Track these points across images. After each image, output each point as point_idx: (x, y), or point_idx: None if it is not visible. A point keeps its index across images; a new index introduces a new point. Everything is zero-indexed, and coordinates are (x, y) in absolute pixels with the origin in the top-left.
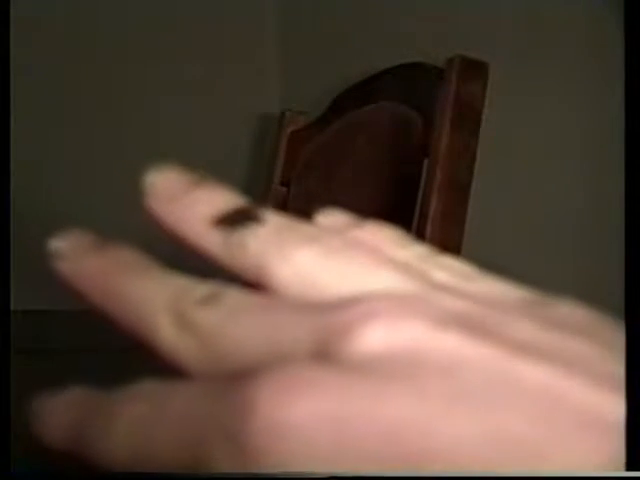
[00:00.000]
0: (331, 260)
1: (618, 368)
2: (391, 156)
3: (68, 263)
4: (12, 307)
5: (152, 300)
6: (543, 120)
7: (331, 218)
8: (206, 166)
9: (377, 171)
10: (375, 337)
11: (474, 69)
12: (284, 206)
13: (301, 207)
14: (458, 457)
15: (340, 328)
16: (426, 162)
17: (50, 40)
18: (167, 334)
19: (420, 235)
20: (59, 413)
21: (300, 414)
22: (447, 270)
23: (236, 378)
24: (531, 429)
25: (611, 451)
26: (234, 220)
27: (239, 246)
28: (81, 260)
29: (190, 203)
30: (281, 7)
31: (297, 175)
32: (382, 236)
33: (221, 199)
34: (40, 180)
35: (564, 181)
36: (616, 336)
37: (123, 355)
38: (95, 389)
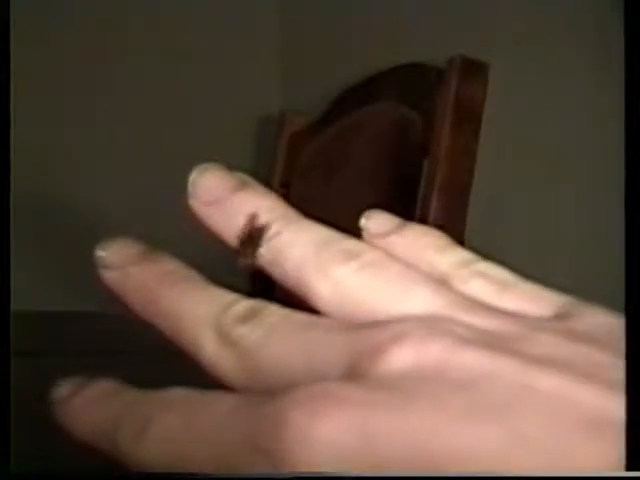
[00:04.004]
0: (367, 278)
1: None
2: (391, 156)
3: (113, 272)
4: (12, 307)
5: (195, 315)
6: (543, 120)
7: (375, 221)
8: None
9: (377, 172)
10: (402, 357)
11: (474, 69)
12: None
13: (301, 208)
14: (482, 464)
15: (370, 349)
16: (426, 162)
17: (48, 49)
18: (209, 349)
19: None
20: (90, 404)
21: (331, 429)
22: (484, 278)
23: (267, 395)
24: (548, 435)
25: (623, 454)
26: (253, 242)
27: (279, 255)
28: (126, 270)
29: (230, 208)
30: (281, 7)
31: (297, 176)
32: (423, 242)
33: (263, 205)
34: (41, 178)
35: (564, 181)
36: None
37: (123, 357)
38: (127, 385)
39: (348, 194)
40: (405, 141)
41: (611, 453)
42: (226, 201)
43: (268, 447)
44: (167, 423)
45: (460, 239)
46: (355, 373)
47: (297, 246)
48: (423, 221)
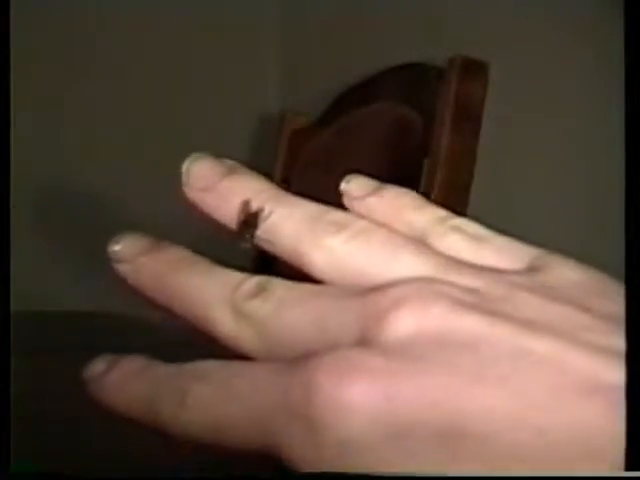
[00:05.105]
0: (357, 245)
1: (615, 338)
2: (391, 156)
3: (126, 265)
4: (12, 307)
5: (208, 295)
6: (543, 120)
7: (354, 184)
8: None
9: (377, 171)
10: (404, 323)
11: (474, 69)
12: None
13: None
14: (495, 424)
15: (375, 316)
16: (426, 162)
17: (47, 47)
18: (225, 326)
19: None
20: (125, 380)
21: (358, 395)
22: (460, 232)
23: (294, 362)
24: (550, 398)
25: (612, 415)
26: (249, 226)
27: (274, 233)
28: (138, 262)
29: (223, 193)
30: (281, 7)
31: (297, 175)
32: (400, 203)
33: (253, 188)
34: (40, 178)
35: (564, 181)
36: (612, 299)
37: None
38: (156, 361)
39: None
40: (405, 141)
41: (608, 416)
42: (218, 187)
43: (302, 412)
44: (204, 393)
45: None
46: (365, 338)
47: (289, 223)
48: None
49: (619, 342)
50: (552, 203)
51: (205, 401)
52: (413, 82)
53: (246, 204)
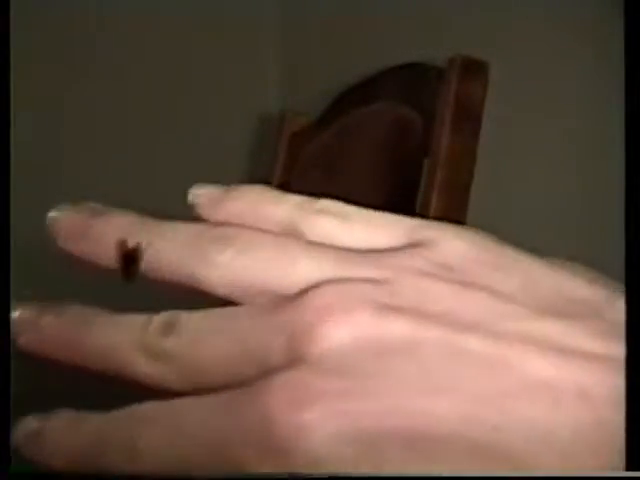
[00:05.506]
0: (249, 258)
1: (535, 324)
2: (391, 156)
3: (28, 335)
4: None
5: (120, 345)
6: (543, 120)
7: (200, 195)
8: (206, 166)
9: (377, 171)
10: (336, 336)
11: (474, 69)
12: None
13: None
14: (449, 421)
15: (301, 330)
16: (426, 162)
17: (47, 47)
18: (146, 370)
19: None
20: (63, 434)
21: (314, 416)
22: (328, 214)
23: (239, 393)
24: (493, 397)
25: (559, 411)
26: (132, 262)
27: (160, 262)
28: (38, 329)
29: (96, 236)
30: (281, 7)
31: (297, 176)
32: (256, 200)
33: (123, 224)
34: (39, 179)
35: (564, 181)
36: (507, 270)
37: None
38: (86, 411)
39: (348, 194)
40: (405, 141)
41: (555, 412)
42: (89, 232)
43: (261, 440)
44: (154, 438)
45: None
46: (296, 356)
47: (172, 249)
48: None
49: (541, 329)
50: (552, 203)
51: (157, 445)
52: (413, 82)
53: (122, 242)
